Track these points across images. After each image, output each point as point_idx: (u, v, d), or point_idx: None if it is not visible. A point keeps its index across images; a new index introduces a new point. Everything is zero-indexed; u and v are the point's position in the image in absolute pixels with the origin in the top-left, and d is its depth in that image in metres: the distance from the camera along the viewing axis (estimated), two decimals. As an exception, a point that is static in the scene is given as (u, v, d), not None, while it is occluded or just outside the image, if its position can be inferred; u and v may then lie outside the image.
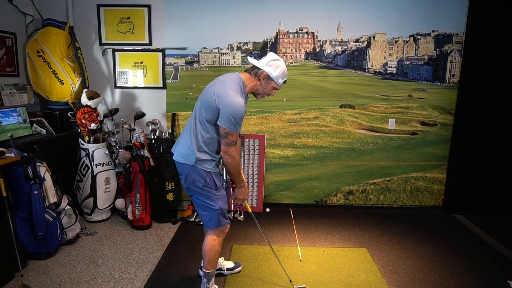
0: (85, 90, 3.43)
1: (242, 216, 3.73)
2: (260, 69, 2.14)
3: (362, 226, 3.60)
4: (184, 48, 3.87)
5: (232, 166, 2.16)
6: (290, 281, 2.54)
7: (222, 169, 2.40)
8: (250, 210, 2.58)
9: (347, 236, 3.38)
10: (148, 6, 3.74)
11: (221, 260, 2.70)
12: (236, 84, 2.11)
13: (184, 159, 2.17)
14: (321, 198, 4.07)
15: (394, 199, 4.06)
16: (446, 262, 2.93)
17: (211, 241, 2.29)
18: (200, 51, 3.89)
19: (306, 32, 3.87)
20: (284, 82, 2.21)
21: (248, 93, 2.21)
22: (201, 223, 2.37)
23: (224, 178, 3.10)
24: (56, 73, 3.46)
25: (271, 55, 2.17)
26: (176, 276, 2.67)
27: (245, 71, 2.22)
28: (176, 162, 2.24)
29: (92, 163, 3.44)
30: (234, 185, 2.42)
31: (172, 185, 3.60)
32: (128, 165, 3.51)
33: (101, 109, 3.82)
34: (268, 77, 2.14)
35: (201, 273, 2.44)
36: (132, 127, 3.66)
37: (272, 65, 2.13)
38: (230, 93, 2.04)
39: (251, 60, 2.21)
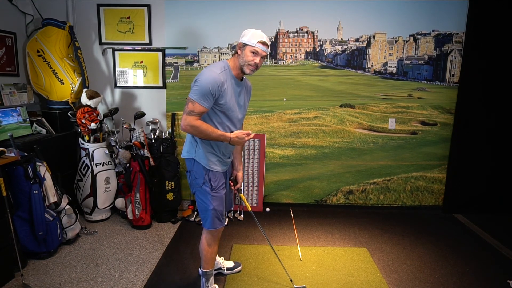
0: (85, 89, 3.43)
1: (242, 215, 3.73)
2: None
3: (362, 225, 3.60)
4: (184, 48, 3.86)
5: (200, 133, 2.05)
6: (291, 280, 2.54)
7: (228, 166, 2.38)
8: (250, 209, 2.58)
9: (347, 236, 3.38)
10: (148, 6, 3.74)
11: (221, 260, 2.70)
12: (218, 64, 2.13)
13: (188, 153, 2.20)
14: (321, 198, 4.07)
15: (394, 198, 4.06)
16: (446, 262, 2.93)
17: (206, 240, 2.29)
18: (200, 51, 3.89)
19: (306, 32, 3.87)
20: (262, 43, 2.06)
21: (237, 72, 2.14)
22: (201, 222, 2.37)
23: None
24: (56, 73, 3.46)
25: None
26: (176, 276, 2.67)
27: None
28: (184, 159, 2.25)
29: (92, 162, 3.44)
30: (234, 188, 2.45)
31: (172, 185, 3.60)
32: (128, 164, 3.51)
33: (101, 109, 3.82)
34: (242, 45, 2.10)
35: (200, 272, 2.44)
36: (132, 127, 3.66)
37: (242, 34, 2.13)
38: (208, 68, 2.08)
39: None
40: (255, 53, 2.06)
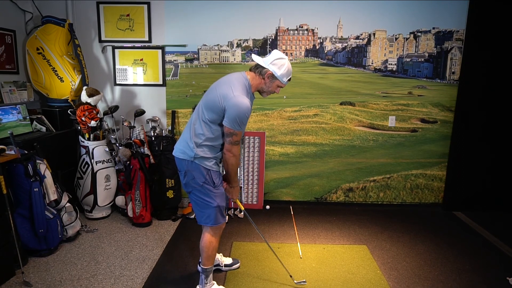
0: (85, 87, 3.43)
1: (242, 213, 3.74)
2: (264, 68, 2.14)
3: (362, 223, 3.60)
4: (184, 45, 3.86)
5: (232, 165, 2.19)
6: (291, 276, 2.55)
7: (221, 167, 2.39)
8: (243, 208, 2.63)
9: (347, 233, 3.38)
10: (148, 3, 3.73)
11: (219, 256, 2.71)
12: (242, 85, 2.11)
13: (183, 154, 2.18)
14: (321, 195, 4.07)
15: (394, 196, 4.06)
16: (446, 259, 2.94)
17: (209, 237, 2.30)
18: (200, 48, 3.89)
19: (306, 29, 3.86)
20: (289, 80, 2.21)
21: (255, 90, 2.22)
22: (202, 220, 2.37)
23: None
24: (56, 71, 3.46)
25: (275, 53, 2.16)
26: (176, 273, 2.68)
27: (250, 70, 2.21)
28: (175, 158, 2.24)
29: (92, 160, 3.44)
30: (225, 184, 2.38)
31: (172, 183, 3.60)
32: (128, 162, 3.51)
33: (101, 107, 3.82)
34: (272, 76, 2.15)
35: (199, 269, 2.45)
36: (132, 125, 3.66)
37: (277, 63, 2.12)
38: (236, 94, 2.04)
39: (256, 58, 2.19)
40: (280, 87, 2.22)
